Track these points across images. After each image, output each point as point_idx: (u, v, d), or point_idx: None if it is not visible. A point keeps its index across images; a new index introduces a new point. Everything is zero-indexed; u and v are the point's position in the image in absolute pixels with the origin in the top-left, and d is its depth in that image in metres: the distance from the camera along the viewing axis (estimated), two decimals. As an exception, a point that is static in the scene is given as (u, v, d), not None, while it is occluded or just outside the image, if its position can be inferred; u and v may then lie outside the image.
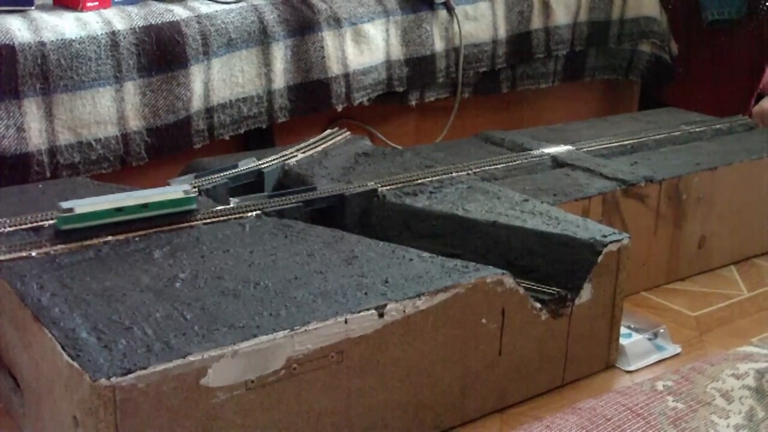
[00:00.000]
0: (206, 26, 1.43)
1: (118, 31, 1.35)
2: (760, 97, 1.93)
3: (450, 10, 1.73)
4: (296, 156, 1.32)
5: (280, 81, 1.54)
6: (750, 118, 1.75)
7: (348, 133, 1.45)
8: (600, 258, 1.07)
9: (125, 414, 0.76)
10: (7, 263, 0.95)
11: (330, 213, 1.18)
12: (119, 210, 1.03)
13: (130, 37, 1.36)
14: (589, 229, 1.11)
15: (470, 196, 1.21)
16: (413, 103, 1.76)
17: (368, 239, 1.07)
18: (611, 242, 1.08)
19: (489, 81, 1.85)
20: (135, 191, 1.09)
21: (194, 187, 1.16)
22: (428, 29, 1.71)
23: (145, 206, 1.04)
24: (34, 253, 0.97)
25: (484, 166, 1.34)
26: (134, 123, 1.38)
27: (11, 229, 1.02)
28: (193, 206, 1.08)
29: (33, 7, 1.37)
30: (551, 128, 1.65)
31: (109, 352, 0.78)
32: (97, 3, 1.39)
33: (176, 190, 1.08)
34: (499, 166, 1.36)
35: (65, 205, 1.01)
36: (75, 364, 0.77)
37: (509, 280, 0.99)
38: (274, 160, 1.29)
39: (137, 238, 1.02)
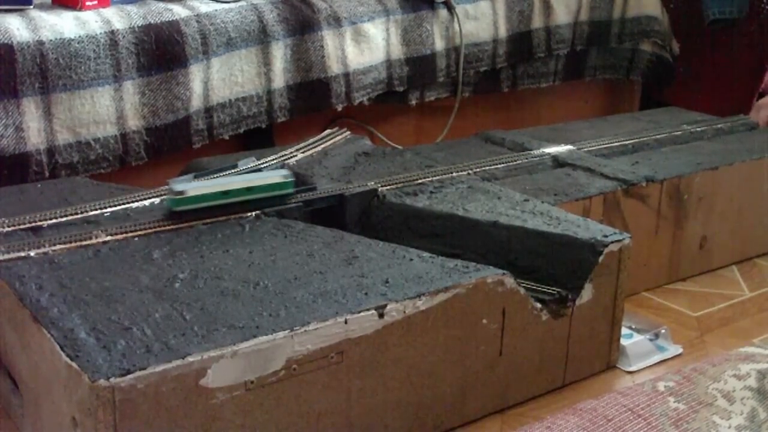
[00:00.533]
0: (206, 25, 1.43)
1: (117, 30, 1.35)
2: (761, 97, 1.93)
3: (450, 9, 1.73)
4: (296, 156, 1.32)
5: (279, 80, 1.53)
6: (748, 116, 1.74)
7: (348, 132, 1.45)
8: (601, 258, 1.06)
9: (124, 415, 0.75)
10: (6, 263, 0.94)
11: (330, 213, 1.17)
12: (226, 193, 1.08)
13: (129, 36, 1.35)
14: (589, 229, 1.11)
15: (471, 196, 1.21)
16: (413, 102, 1.76)
17: (368, 239, 1.07)
18: (612, 242, 1.08)
19: (489, 80, 1.85)
20: (237, 175, 1.16)
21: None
22: (428, 28, 1.71)
23: (249, 189, 1.10)
24: (32, 254, 0.96)
25: (484, 166, 1.34)
26: (133, 123, 1.38)
27: (10, 229, 1.02)
28: (291, 190, 1.13)
29: (32, 6, 1.37)
30: (552, 128, 1.65)
31: (108, 353, 0.78)
32: (96, 2, 1.39)
33: (275, 174, 1.13)
34: (499, 165, 1.35)
35: (177, 187, 1.05)
36: (74, 364, 0.76)
37: (510, 281, 0.99)
38: (273, 159, 1.29)
39: (136, 238, 1.02)
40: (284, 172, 1.14)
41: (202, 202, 1.07)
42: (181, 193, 1.05)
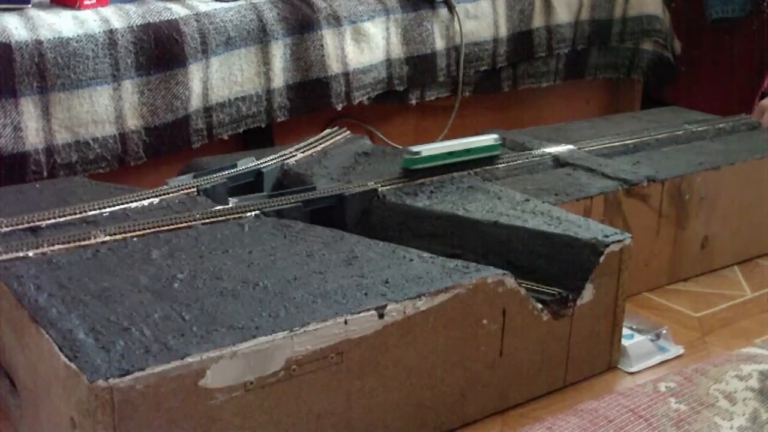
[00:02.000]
0: (205, 25, 1.43)
1: (116, 29, 1.34)
2: (764, 96, 1.92)
3: (451, 8, 1.73)
4: (295, 155, 1.32)
5: (279, 80, 1.53)
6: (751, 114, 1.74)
7: (348, 132, 1.44)
8: (602, 258, 1.06)
9: (123, 415, 0.75)
10: (4, 264, 0.94)
11: (330, 213, 1.17)
12: (451, 153, 1.25)
13: (128, 35, 1.35)
14: (590, 229, 1.10)
15: (471, 196, 1.20)
16: (413, 102, 1.75)
17: (368, 239, 1.06)
18: (613, 242, 1.07)
19: (490, 80, 1.85)
20: (454, 140, 1.29)
21: (193, 187, 1.16)
22: (429, 27, 1.70)
23: (468, 151, 1.27)
24: (31, 254, 0.96)
25: (484, 166, 1.34)
26: (132, 122, 1.38)
27: (8, 229, 1.01)
28: (499, 152, 1.32)
29: (30, 5, 1.36)
30: (553, 127, 1.64)
31: (107, 353, 0.78)
32: (94, 1, 1.39)
33: (488, 138, 1.31)
34: (500, 165, 1.35)
35: (413, 149, 1.22)
36: (72, 365, 0.76)
37: (510, 281, 0.99)
38: (273, 159, 1.29)
39: (135, 238, 1.02)
40: (495, 136, 1.32)
41: (432, 162, 1.23)
42: (416, 153, 1.22)
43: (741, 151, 1.47)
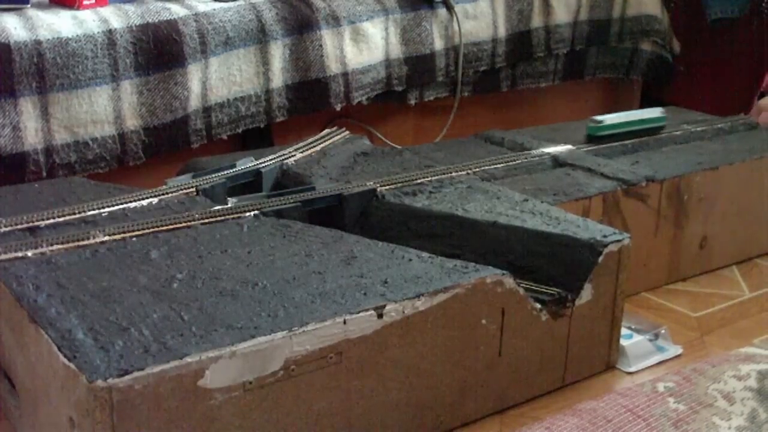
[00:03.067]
0: (204, 25, 1.43)
1: (115, 29, 1.34)
2: (762, 97, 1.93)
3: (449, 8, 1.73)
4: (295, 155, 1.32)
5: (278, 80, 1.53)
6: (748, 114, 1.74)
7: (347, 132, 1.44)
8: (600, 258, 1.06)
9: (122, 415, 0.75)
10: (3, 264, 0.94)
11: (329, 213, 1.17)
12: (628, 123, 1.49)
13: (127, 35, 1.35)
14: (589, 229, 1.11)
15: (470, 196, 1.21)
16: (412, 102, 1.75)
17: (367, 239, 1.06)
18: (612, 242, 1.07)
19: (489, 80, 1.85)
20: (627, 112, 1.54)
21: (192, 187, 1.16)
22: (428, 28, 1.70)
23: (642, 120, 1.51)
24: (30, 254, 0.96)
25: (483, 166, 1.34)
26: (131, 122, 1.38)
27: (7, 229, 1.01)
28: (665, 123, 1.54)
29: (29, 5, 1.36)
30: (551, 127, 1.64)
31: (106, 353, 0.78)
32: (93, 1, 1.39)
33: (656, 110, 1.54)
34: (498, 165, 1.35)
35: (597, 118, 1.48)
36: (71, 365, 0.76)
37: (509, 281, 0.99)
38: (272, 159, 1.29)
39: (134, 238, 1.02)
40: (661, 109, 1.54)
41: (613, 129, 1.48)
42: (600, 122, 1.47)
43: (740, 151, 1.47)
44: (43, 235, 1.01)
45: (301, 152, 1.33)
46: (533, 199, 1.20)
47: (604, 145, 1.45)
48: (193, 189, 1.15)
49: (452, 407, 0.98)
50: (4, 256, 0.95)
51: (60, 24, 1.31)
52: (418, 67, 1.71)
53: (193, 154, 1.45)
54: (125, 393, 0.75)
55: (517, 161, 1.37)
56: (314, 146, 1.36)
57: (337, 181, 1.23)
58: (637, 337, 1.16)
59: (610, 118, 1.49)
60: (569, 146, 1.46)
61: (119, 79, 1.35)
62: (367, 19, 1.62)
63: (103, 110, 1.34)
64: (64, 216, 1.05)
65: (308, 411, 0.86)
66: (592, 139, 1.48)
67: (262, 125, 1.55)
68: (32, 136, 1.29)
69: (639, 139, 1.50)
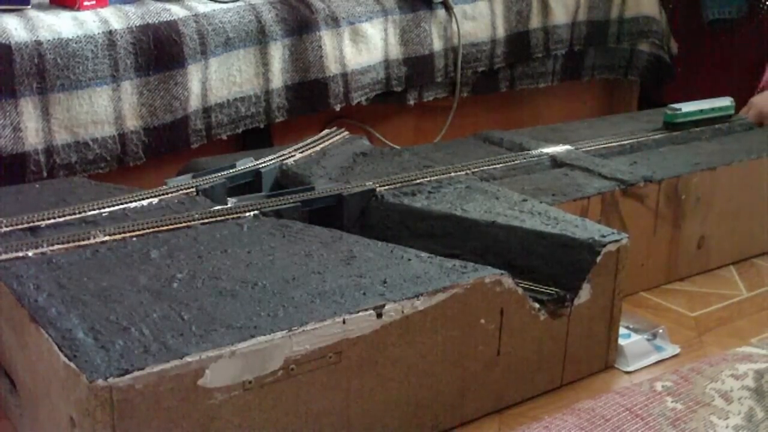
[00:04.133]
0: (203, 25, 1.43)
1: (115, 30, 1.35)
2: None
3: (448, 9, 1.73)
4: (294, 156, 1.32)
5: (277, 80, 1.53)
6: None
7: (346, 132, 1.45)
8: (599, 258, 1.07)
9: (122, 415, 0.75)
10: (4, 263, 0.94)
11: (328, 213, 1.17)
12: (701, 111, 1.58)
13: (127, 36, 1.35)
14: (587, 229, 1.11)
15: (469, 196, 1.21)
16: (412, 102, 1.75)
17: (366, 239, 1.06)
18: (610, 242, 1.08)
19: (488, 80, 1.85)
20: (699, 101, 1.61)
21: (191, 187, 1.16)
22: (427, 28, 1.71)
23: (713, 109, 1.60)
24: (30, 254, 0.96)
25: (482, 166, 1.34)
26: (131, 123, 1.38)
27: (8, 229, 1.02)
28: (732, 112, 1.64)
29: (29, 6, 1.37)
30: (550, 128, 1.65)
31: (106, 353, 0.78)
32: (94, 2, 1.39)
33: (726, 100, 1.63)
34: (497, 165, 1.35)
35: (674, 106, 1.57)
36: (72, 364, 0.76)
37: (508, 281, 0.99)
38: (271, 159, 1.29)
39: (134, 238, 1.02)
40: (730, 99, 1.63)
41: (689, 117, 1.57)
42: (678, 110, 1.56)
43: (737, 152, 1.48)
44: (44, 235, 1.01)
45: (301, 152, 1.34)
46: (532, 199, 1.20)
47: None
48: (193, 189, 1.16)
49: (451, 406, 0.98)
50: (4, 256, 0.95)
51: (60, 25, 1.32)
52: (417, 67, 1.71)
53: (193, 155, 1.45)
54: (125, 392, 0.75)
55: (516, 161, 1.38)
56: (314, 146, 1.37)
57: (337, 181, 1.24)
58: (635, 337, 1.16)
59: (686, 106, 1.57)
60: (568, 146, 1.46)
61: (119, 79, 1.35)
62: (366, 20, 1.62)
63: (103, 111, 1.35)
64: (64, 216, 1.06)
65: (308, 410, 0.87)
66: (669, 125, 1.57)
67: (261, 125, 1.55)
68: (33, 137, 1.30)
69: (710, 126, 1.60)
